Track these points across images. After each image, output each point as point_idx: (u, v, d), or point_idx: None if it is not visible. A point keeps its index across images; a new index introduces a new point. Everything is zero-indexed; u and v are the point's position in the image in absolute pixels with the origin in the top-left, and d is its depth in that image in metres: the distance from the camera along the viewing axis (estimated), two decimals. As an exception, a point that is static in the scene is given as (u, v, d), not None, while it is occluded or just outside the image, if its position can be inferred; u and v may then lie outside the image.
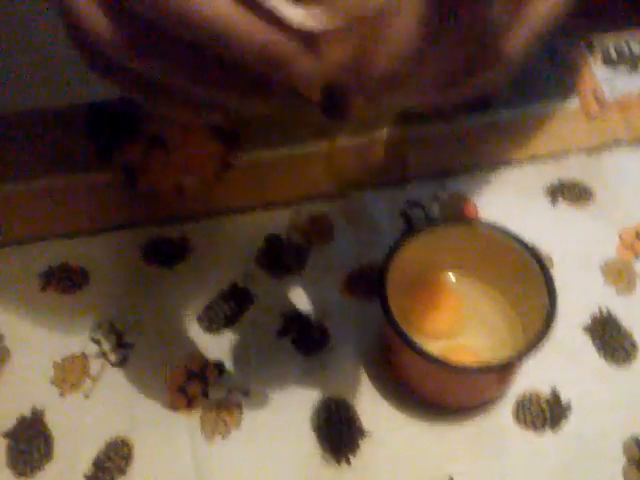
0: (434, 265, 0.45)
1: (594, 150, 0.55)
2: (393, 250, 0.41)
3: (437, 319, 0.45)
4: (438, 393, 0.43)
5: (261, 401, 0.44)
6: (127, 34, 0.23)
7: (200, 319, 0.48)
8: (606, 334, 0.46)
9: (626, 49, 0.62)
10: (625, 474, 0.41)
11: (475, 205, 0.49)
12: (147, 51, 0.23)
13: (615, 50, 0.62)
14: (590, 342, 0.46)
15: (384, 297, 0.39)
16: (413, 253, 0.42)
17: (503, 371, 0.39)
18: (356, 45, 0.22)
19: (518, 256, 0.41)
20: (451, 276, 0.46)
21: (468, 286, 0.45)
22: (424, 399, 0.43)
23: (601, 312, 0.47)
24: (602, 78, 0.60)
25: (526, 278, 0.41)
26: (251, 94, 0.24)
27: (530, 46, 0.25)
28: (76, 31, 0.24)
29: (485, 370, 0.37)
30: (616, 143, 0.56)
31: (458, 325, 0.44)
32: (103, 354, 0.46)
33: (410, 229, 0.43)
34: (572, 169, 0.54)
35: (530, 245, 0.41)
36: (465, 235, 0.43)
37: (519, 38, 0.24)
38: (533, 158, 0.55)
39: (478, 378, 0.40)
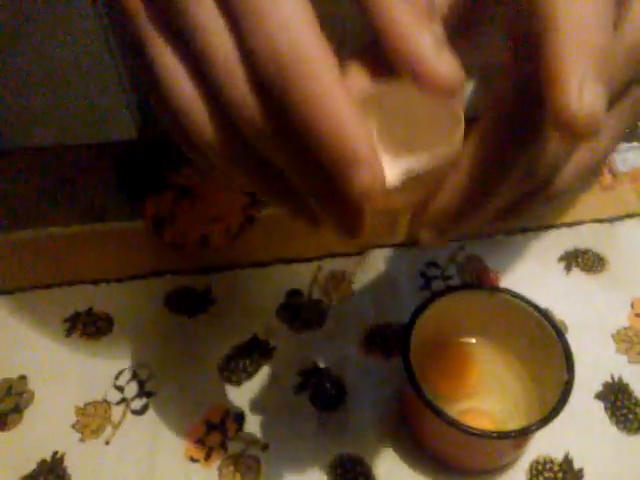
0: (454, 329, 0.46)
1: (607, 220, 0.57)
2: (416, 314, 0.42)
3: (455, 382, 0.46)
4: (455, 455, 0.43)
5: (279, 456, 0.44)
6: (226, 141, 0.23)
7: (220, 370, 0.49)
8: (618, 401, 0.47)
9: (638, 124, 0.64)
10: None
11: (495, 272, 0.51)
12: (240, 163, 0.24)
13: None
14: (602, 409, 0.47)
15: (407, 359, 0.40)
16: (434, 317, 0.43)
17: (520, 437, 0.40)
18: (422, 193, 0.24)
19: (536, 324, 0.42)
20: (470, 340, 0.47)
21: (486, 351, 0.46)
22: (441, 461, 0.43)
23: (613, 380, 0.48)
24: (615, 152, 0.62)
25: (543, 346, 0.42)
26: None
27: (583, 180, 0.26)
28: (171, 115, 0.24)
29: (503, 436, 0.38)
30: (629, 214, 0.58)
31: (475, 389, 0.45)
32: (125, 401, 0.47)
33: (431, 294, 0.44)
34: (586, 238, 0.56)
35: (549, 314, 0.42)
36: (485, 301, 0.44)
37: (572, 175, 0.26)
38: (549, 227, 0.57)
39: (495, 443, 0.40)
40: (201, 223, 0.58)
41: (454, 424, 0.38)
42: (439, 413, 0.38)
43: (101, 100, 0.74)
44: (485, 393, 0.45)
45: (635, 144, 0.63)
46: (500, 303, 0.44)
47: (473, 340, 0.47)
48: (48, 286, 0.53)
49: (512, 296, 0.43)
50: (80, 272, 0.54)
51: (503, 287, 0.45)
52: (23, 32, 0.65)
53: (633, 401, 0.47)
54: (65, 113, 0.74)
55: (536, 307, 0.42)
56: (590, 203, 0.58)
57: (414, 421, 0.44)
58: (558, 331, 0.41)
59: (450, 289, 0.44)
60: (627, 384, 0.48)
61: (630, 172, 0.60)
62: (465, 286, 0.45)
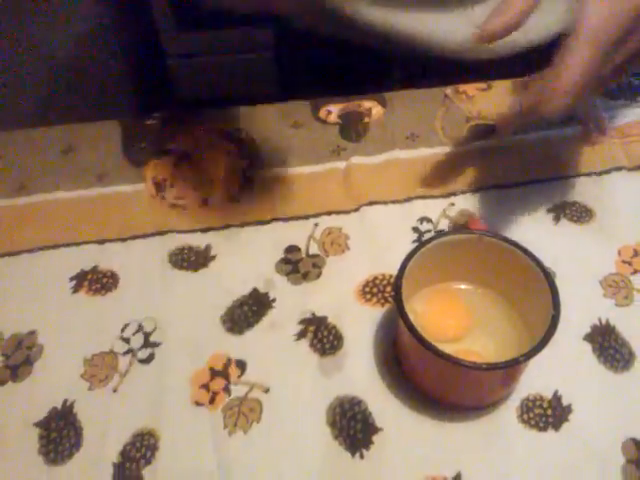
0: (444, 274, 0.48)
1: (595, 174, 0.59)
2: (407, 259, 0.44)
3: (447, 325, 0.47)
4: (447, 393, 0.45)
5: (280, 398, 0.46)
6: None
7: (223, 320, 0.50)
8: (605, 342, 0.49)
9: (626, 83, 0.66)
10: (624, 472, 0.43)
11: (483, 219, 0.52)
12: None
13: (616, 84, 0.66)
14: (590, 350, 0.48)
15: (400, 302, 0.42)
16: (425, 262, 0.45)
17: (510, 369, 0.42)
18: None
19: (523, 265, 0.44)
20: (460, 285, 0.49)
21: (476, 294, 0.48)
22: (434, 399, 0.45)
23: (600, 322, 0.50)
24: (603, 109, 0.64)
25: (532, 287, 0.44)
26: None
27: None
28: None
29: (492, 367, 0.40)
30: (616, 168, 0.59)
31: (466, 331, 0.47)
32: (131, 352, 0.49)
33: (422, 240, 0.46)
34: (574, 191, 0.58)
35: (535, 256, 0.44)
36: (473, 246, 0.46)
37: None
38: (537, 181, 0.59)
39: (486, 376, 0.42)
40: (201, 185, 0.59)
41: (444, 357, 0.39)
42: (430, 347, 0.40)
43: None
44: (476, 335, 0.47)
45: (622, 101, 0.64)
46: (489, 247, 0.45)
47: (463, 285, 0.49)
48: (54, 247, 0.55)
49: (500, 239, 0.45)
50: (85, 233, 0.56)
51: (491, 231, 0.46)
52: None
53: (620, 342, 0.49)
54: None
55: (523, 249, 0.44)
56: (578, 158, 0.60)
57: (408, 361, 0.46)
58: (544, 270, 0.43)
59: (440, 234, 0.46)
60: (614, 326, 0.50)
61: (618, 128, 0.62)
62: (454, 231, 0.47)
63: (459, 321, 0.48)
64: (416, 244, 0.50)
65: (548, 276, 0.43)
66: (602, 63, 0.40)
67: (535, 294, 0.44)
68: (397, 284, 0.43)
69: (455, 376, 0.43)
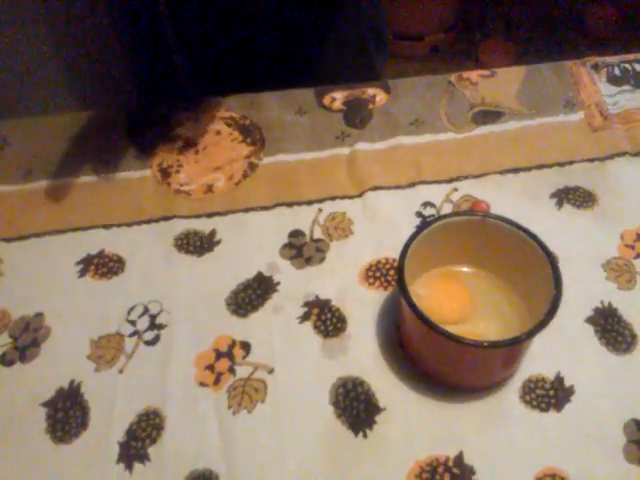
0: (447, 257, 0.49)
1: (598, 159, 0.59)
2: (410, 240, 0.44)
3: (450, 308, 0.48)
4: (449, 373, 0.46)
5: (284, 378, 0.47)
6: None
7: (228, 303, 0.51)
8: (608, 325, 0.49)
9: (630, 69, 0.66)
10: (625, 452, 0.43)
11: (486, 202, 0.53)
12: None
13: (619, 70, 0.66)
14: (592, 332, 0.49)
15: (403, 282, 0.42)
16: (428, 245, 0.45)
17: (511, 348, 0.42)
18: None
19: (525, 246, 0.44)
20: (463, 268, 0.49)
21: (479, 277, 0.49)
22: (436, 380, 0.46)
23: (603, 305, 0.50)
24: (606, 94, 0.64)
25: (534, 269, 0.44)
26: None
27: None
28: None
29: (494, 345, 0.40)
30: (619, 153, 0.59)
31: (469, 314, 0.47)
32: (137, 334, 0.50)
33: (425, 221, 0.46)
34: (577, 176, 0.58)
35: (537, 237, 0.44)
36: (476, 228, 0.46)
37: None
38: (540, 166, 0.59)
39: (488, 355, 0.42)
40: (206, 172, 0.60)
41: (447, 335, 0.40)
42: (432, 326, 0.40)
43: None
44: (479, 318, 0.47)
45: (626, 87, 0.64)
46: (491, 228, 0.46)
47: (466, 268, 0.49)
48: (60, 232, 0.56)
49: (502, 221, 0.45)
50: (91, 219, 0.57)
51: (494, 213, 0.47)
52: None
53: (622, 324, 0.49)
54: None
55: (525, 230, 0.44)
56: (581, 144, 0.60)
57: (411, 343, 0.47)
58: (546, 250, 0.43)
59: (443, 216, 0.46)
60: (616, 309, 0.50)
61: (620, 114, 0.62)
62: (457, 213, 0.47)
63: (462, 304, 0.48)
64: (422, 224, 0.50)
65: (550, 256, 0.43)
66: None
67: (537, 275, 0.44)
68: (400, 264, 0.43)
69: (457, 355, 0.43)
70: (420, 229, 0.45)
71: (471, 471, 0.43)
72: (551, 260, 0.43)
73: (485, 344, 0.40)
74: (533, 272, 0.45)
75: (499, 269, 0.48)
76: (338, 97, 0.65)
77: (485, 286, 0.49)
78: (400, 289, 0.42)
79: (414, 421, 0.45)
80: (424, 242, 0.45)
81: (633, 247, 0.53)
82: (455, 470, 0.43)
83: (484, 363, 0.44)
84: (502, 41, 1.91)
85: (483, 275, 0.49)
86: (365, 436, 0.44)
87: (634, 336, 0.48)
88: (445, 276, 0.49)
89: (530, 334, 0.40)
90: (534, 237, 0.44)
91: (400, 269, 0.43)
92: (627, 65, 0.66)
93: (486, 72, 0.67)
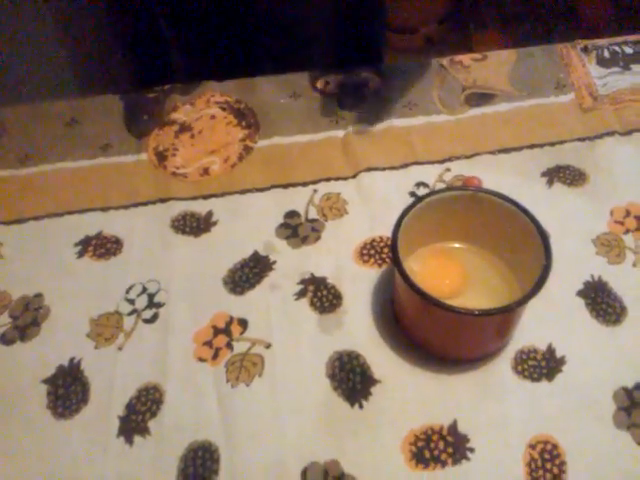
0: (440, 234, 0.49)
1: (588, 139, 0.60)
2: (404, 215, 0.45)
3: (442, 283, 0.48)
4: (443, 344, 0.46)
5: (281, 353, 0.48)
6: None
7: (225, 282, 0.52)
8: (598, 298, 0.50)
9: (619, 51, 0.67)
10: (615, 419, 0.44)
11: (478, 178, 0.53)
12: None
13: (609, 52, 0.67)
14: (583, 305, 0.50)
15: (397, 255, 0.43)
16: (421, 221, 0.46)
17: (503, 317, 0.43)
18: None
19: (516, 220, 0.45)
20: (455, 244, 0.50)
21: (471, 253, 0.50)
22: (430, 352, 0.47)
23: (593, 279, 0.51)
24: (596, 76, 0.65)
25: (524, 241, 0.45)
26: None
27: None
28: None
29: (485, 313, 0.41)
30: (608, 133, 0.60)
31: (461, 288, 0.48)
32: (136, 312, 0.50)
33: (417, 198, 0.47)
34: (567, 156, 0.59)
35: (527, 210, 0.45)
36: (467, 203, 0.47)
37: None
38: (531, 146, 0.60)
39: (480, 325, 0.43)
40: (202, 155, 0.61)
41: (440, 305, 0.41)
42: (425, 296, 0.41)
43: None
44: (471, 292, 0.48)
45: (615, 69, 0.65)
46: (483, 203, 0.46)
47: (458, 244, 0.50)
48: (59, 214, 0.57)
49: (493, 195, 0.46)
50: (89, 201, 0.57)
51: (485, 188, 0.47)
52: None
53: (612, 297, 0.50)
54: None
55: (515, 204, 0.45)
56: (571, 124, 0.61)
57: (405, 316, 0.47)
58: (536, 222, 0.44)
59: (435, 191, 0.47)
60: (606, 282, 0.51)
61: (610, 95, 0.63)
62: (449, 188, 0.48)
63: (454, 279, 0.49)
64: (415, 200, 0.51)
65: (539, 227, 0.44)
66: None
67: (528, 249, 0.45)
68: (394, 238, 0.44)
69: (450, 326, 0.44)
70: (413, 204, 0.46)
71: (465, 439, 0.43)
72: (541, 231, 0.44)
73: (476, 312, 0.41)
74: (524, 246, 0.46)
75: (490, 244, 0.49)
76: (332, 81, 0.66)
77: (477, 261, 0.49)
78: (394, 262, 0.43)
79: (409, 392, 0.46)
80: (417, 217, 0.46)
81: (622, 223, 0.54)
82: (449, 438, 0.43)
83: (477, 333, 0.45)
84: (497, 32, 1.92)
85: (475, 251, 0.50)
86: (361, 407, 0.45)
87: (623, 308, 0.49)
88: (438, 252, 0.50)
89: (520, 302, 0.41)
90: (524, 210, 0.45)
91: (394, 242, 0.44)
92: (616, 47, 0.67)
93: (478, 55, 0.68)
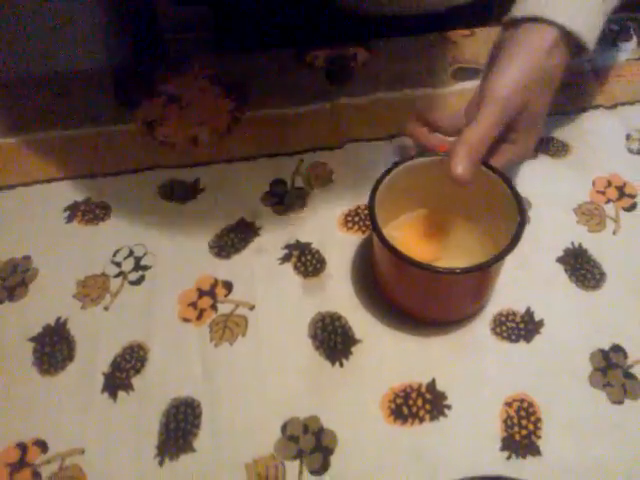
0: (417, 201, 0.50)
1: (572, 112, 0.61)
2: (380, 180, 0.45)
3: (422, 250, 0.49)
4: (423, 306, 0.47)
5: (264, 314, 0.49)
6: None
7: (211, 247, 0.52)
8: (577, 264, 0.51)
9: (605, 29, 0.68)
10: (590, 378, 0.45)
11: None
12: None
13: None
14: (563, 271, 0.50)
15: (374, 217, 0.43)
16: (398, 187, 0.46)
17: (481, 275, 0.43)
18: None
19: (489, 183, 0.45)
20: (433, 211, 0.50)
21: (449, 220, 0.50)
22: (409, 313, 0.47)
23: (573, 246, 0.52)
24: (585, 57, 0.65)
25: (500, 205, 0.45)
26: None
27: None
28: None
29: (465, 270, 0.41)
30: (593, 107, 0.61)
31: (440, 254, 0.48)
32: (122, 274, 0.51)
33: (393, 163, 0.47)
34: (552, 128, 0.60)
35: (503, 174, 0.45)
36: (442, 169, 0.47)
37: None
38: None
39: (458, 283, 0.44)
40: (190, 125, 0.61)
41: (417, 264, 0.41)
42: (402, 257, 0.41)
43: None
44: (449, 258, 0.48)
45: (602, 47, 0.66)
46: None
47: (437, 212, 0.50)
48: (48, 181, 0.57)
49: None
50: (78, 169, 0.58)
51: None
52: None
53: (591, 264, 0.51)
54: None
55: (488, 166, 0.46)
56: (557, 98, 0.61)
57: (384, 279, 0.48)
58: (507, 181, 0.44)
59: (409, 157, 0.47)
60: (586, 249, 0.52)
61: (596, 70, 0.64)
62: (423, 154, 0.48)
63: (433, 245, 0.49)
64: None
65: (512, 187, 0.44)
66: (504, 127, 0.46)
67: (504, 213, 0.45)
68: (371, 203, 0.44)
69: (429, 286, 0.45)
70: (390, 169, 0.46)
71: (443, 396, 0.44)
72: (513, 190, 0.44)
73: (457, 271, 0.41)
74: (500, 210, 0.45)
75: (468, 210, 0.49)
76: (321, 55, 0.67)
77: (455, 228, 0.50)
78: (372, 225, 0.43)
79: (388, 352, 0.46)
80: (394, 184, 0.46)
81: (604, 193, 0.55)
82: (428, 395, 0.44)
83: (454, 293, 0.46)
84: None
85: (452, 218, 0.50)
86: (342, 365, 0.46)
87: (602, 274, 0.50)
88: (416, 220, 0.50)
89: (497, 258, 0.41)
90: (496, 171, 0.45)
91: (371, 205, 0.44)
92: (603, 25, 0.68)
93: (466, 31, 0.68)
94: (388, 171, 0.46)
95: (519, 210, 0.43)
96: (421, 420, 0.43)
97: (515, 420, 0.43)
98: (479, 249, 0.48)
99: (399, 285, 0.47)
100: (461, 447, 0.42)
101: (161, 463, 0.42)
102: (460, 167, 0.43)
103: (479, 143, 0.44)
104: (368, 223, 0.53)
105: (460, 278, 0.43)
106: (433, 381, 0.45)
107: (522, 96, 0.45)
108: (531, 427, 0.43)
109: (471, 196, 0.48)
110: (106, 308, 0.49)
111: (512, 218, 0.44)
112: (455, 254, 0.48)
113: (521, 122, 0.47)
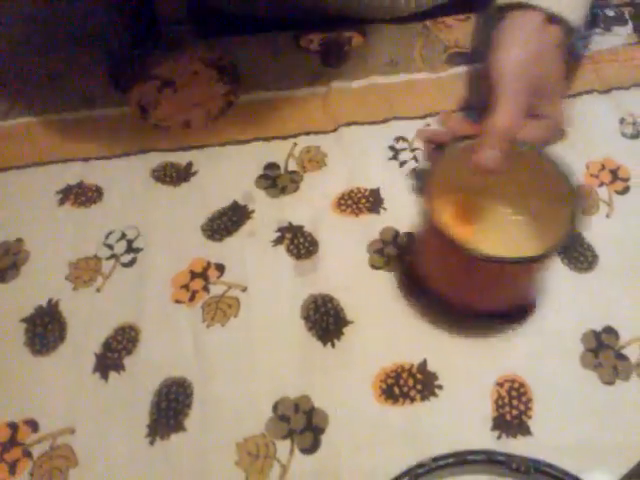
0: (461, 182, 0.47)
1: (567, 97, 0.60)
2: (434, 164, 0.45)
3: (461, 231, 0.46)
4: (461, 294, 0.46)
5: (257, 295, 0.49)
6: None
7: (203, 229, 0.52)
8: (570, 246, 0.50)
9: (600, 13, 0.68)
10: (582, 359, 0.45)
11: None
12: None
13: (591, 14, 0.67)
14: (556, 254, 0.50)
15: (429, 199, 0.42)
16: (446, 170, 0.44)
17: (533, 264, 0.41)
18: None
19: (542, 168, 0.44)
20: (477, 195, 0.48)
21: (492, 201, 0.48)
22: (448, 302, 0.46)
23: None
24: (577, 36, 0.65)
25: (548, 191, 0.43)
26: None
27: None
28: None
29: (518, 260, 0.39)
30: (587, 91, 0.61)
31: (480, 236, 0.46)
32: (114, 256, 0.51)
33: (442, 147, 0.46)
34: (546, 112, 0.59)
35: (552, 156, 0.44)
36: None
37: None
38: (511, 103, 0.60)
39: (496, 274, 0.42)
40: (183, 108, 0.61)
41: (456, 246, 0.40)
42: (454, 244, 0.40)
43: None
44: (489, 242, 0.43)
45: (596, 30, 0.66)
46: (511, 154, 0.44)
47: (480, 193, 0.48)
48: (40, 164, 0.57)
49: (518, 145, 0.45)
50: (71, 152, 0.58)
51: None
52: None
53: (584, 246, 0.51)
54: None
55: (538, 151, 0.44)
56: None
57: (429, 266, 0.47)
58: (564, 173, 0.43)
59: (459, 138, 0.46)
60: (579, 233, 0.51)
61: (590, 54, 0.64)
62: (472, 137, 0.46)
63: (473, 227, 0.48)
64: (391, 161, 0.50)
65: (570, 181, 0.42)
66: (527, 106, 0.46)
67: (551, 198, 0.43)
68: (427, 189, 0.42)
69: (474, 274, 0.43)
70: (440, 153, 0.45)
71: (434, 376, 0.44)
72: (570, 183, 0.42)
73: (512, 259, 0.39)
74: (547, 194, 0.44)
75: (512, 191, 0.47)
76: (315, 39, 0.66)
77: (497, 211, 0.48)
78: (425, 207, 0.42)
79: (380, 333, 0.46)
80: (443, 167, 0.44)
81: (597, 176, 0.55)
82: (419, 376, 0.44)
83: (499, 282, 0.44)
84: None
85: (496, 198, 0.48)
86: (333, 346, 0.46)
87: (595, 256, 0.50)
88: (456, 202, 0.48)
89: (553, 250, 0.40)
90: (552, 160, 0.43)
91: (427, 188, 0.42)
92: (597, 10, 0.68)
93: (461, 16, 0.68)
94: (439, 155, 0.45)
95: (569, 189, 0.41)
96: (412, 400, 0.43)
97: (506, 400, 0.43)
98: (520, 231, 0.47)
99: (438, 268, 0.46)
100: (452, 426, 0.42)
101: (152, 442, 0.42)
102: (485, 157, 0.43)
103: (504, 129, 0.44)
104: (362, 206, 0.53)
105: (503, 267, 0.40)
106: (424, 361, 0.45)
107: (532, 70, 0.47)
108: (522, 407, 0.43)
109: (515, 178, 0.45)
110: (98, 290, 0.49)
111: (560, 201, 0.42)
112: (495, 236, 0.46)
113: (542, 93, 0.48)
